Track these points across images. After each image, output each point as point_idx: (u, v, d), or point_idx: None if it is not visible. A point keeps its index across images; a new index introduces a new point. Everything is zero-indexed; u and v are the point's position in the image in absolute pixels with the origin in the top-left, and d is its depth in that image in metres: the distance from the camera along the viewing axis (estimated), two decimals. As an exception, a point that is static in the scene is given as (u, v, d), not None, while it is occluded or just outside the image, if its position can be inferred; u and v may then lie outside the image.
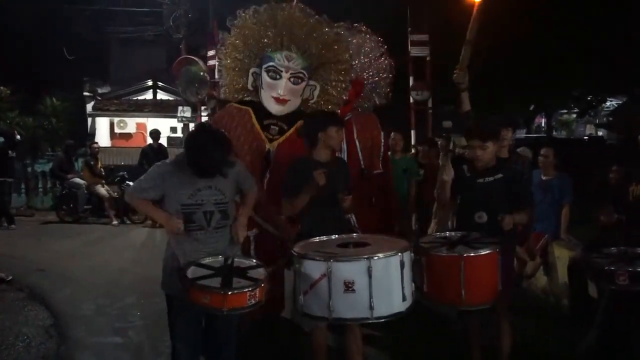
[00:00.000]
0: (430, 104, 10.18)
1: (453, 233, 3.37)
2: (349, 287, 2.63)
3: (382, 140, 4.79)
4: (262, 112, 4.14)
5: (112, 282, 6.17)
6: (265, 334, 4.11)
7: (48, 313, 5.16)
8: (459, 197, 3.62)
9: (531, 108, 24.67)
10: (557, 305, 5.13)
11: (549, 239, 5.34)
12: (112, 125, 15.62)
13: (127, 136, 15.50)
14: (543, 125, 30.29)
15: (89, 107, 15.21)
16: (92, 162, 10.43)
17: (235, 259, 2.86)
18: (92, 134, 13.72)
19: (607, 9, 13.53)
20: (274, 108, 4.11)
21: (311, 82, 4.15)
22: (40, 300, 5.57)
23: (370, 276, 2.63)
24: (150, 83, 14.78)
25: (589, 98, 21.57)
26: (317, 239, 3.08)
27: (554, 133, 28.43)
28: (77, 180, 10.31)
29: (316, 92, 4.18)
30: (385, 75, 4.85)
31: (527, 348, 3.92)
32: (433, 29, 10.15)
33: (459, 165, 3.61)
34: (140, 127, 16.07)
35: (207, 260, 2.80)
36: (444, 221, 5.21)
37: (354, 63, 4.55)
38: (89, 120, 15.31)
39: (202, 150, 2.79)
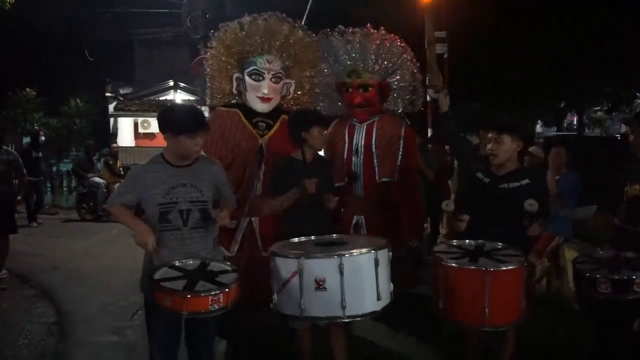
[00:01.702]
0: (447, 102, 9.98)
1: (468, 241, 3.13)
2: (320, 285, 2.58)
3: (401, 148, 4.65)
4: (249, 112, 4.52)
5: (122, 280, 6.20)
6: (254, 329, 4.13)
7: (54, 311, 5.26)
8: (473, 209, 3.29)
9: (562, 105, 24.05)
10: (568, 309, 4.94)
11: (560, 241, 5.16)
12: (136, 125, 15.88)
13: (151, 136, 15.70)
14: (575, 123, 29.46)
15: (111, 107, 15.48)
16: (111, 162, 10.63)
17: (213, 263, 2.77)
18: (115, 134, 13.96)
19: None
20: (259, 107, 4.52)
21: (287, 80, 4.62)
22: (50, 298, 5.69)
23: (341, 274, 2.56)
24: (171, 83, 14.95)
25: (622, 94, 20.87)
26: (296, 239, 3.03)
27: (587, 131, 27.62)
28: (97, 179, 10.51)
29: (292, 88, 4.68)
30: (407, 84, 4.79)
31: (536, 352, 3.82)
32: (451, 25, 9.98)
33: (471, 173, 3.42)
34: (164, 127, 16.11)
35: (182, 263, 2.74)
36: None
37: (382, 66, 4.69)
38: (111, 120, 15.58)
39: (177, 110, 2.99)
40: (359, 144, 4.65)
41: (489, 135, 3.28)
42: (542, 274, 5.23)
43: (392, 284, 2.81)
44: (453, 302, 2.82)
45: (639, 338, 3.41)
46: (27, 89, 13.34)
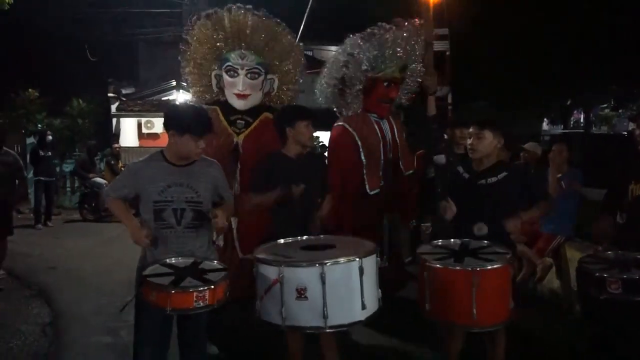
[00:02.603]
0: (450, 100, 9.92)
1: (452, 241, 3.07)
2: (301, 293, 2.48)
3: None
4: (228, 109, 4.47)
5: (119, 281, 6.15)
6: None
7: (49, 311, 5.23)
8: (456, 204, 3.24)
9: (568, 103, 23.84)
10: (570, 310, 4.85)
11: (561, 241, 5.06)
12: (139, 125, 15.84)
13: (155, 136, 15.62)
14: (582, 120, 29.20)
15: (114, 108, 15.46)
16: (112, 162, 10.63)
17: (205, 262, 2.74)
18: (117, 135, 13.94)
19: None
20: (237, 103, 4.44)
21: (269, 76, 4.52)
22: (45, 298, 5.66)
23: (323, 283, 2.45)
24: (174, 83, 14.91)
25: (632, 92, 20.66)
26: (282, 240, 2.95)
27: (593, 128, 27.35)
28: (99, 179, 10.51)
29: (275, 84, 4.57)
30: (417, 77, 4.72)
31: (535, 353, 3.78)
32: (455, 22, 9.92)
33: (453, 167, 3.37)
34: (168, 127, 16.02)
35: (174, 260, 2.71)
36: None
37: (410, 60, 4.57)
38: (114, 121, 15.55)
39: (186, 109, 3.01)
40: (389, 140, 4.56)
41: (470, 130, 3.22)
42: (543, 274, 5.15)
43: (380, 291, 2.71)
44: (440, 304, 2.74)
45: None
46: (30, 90, 13.33)
